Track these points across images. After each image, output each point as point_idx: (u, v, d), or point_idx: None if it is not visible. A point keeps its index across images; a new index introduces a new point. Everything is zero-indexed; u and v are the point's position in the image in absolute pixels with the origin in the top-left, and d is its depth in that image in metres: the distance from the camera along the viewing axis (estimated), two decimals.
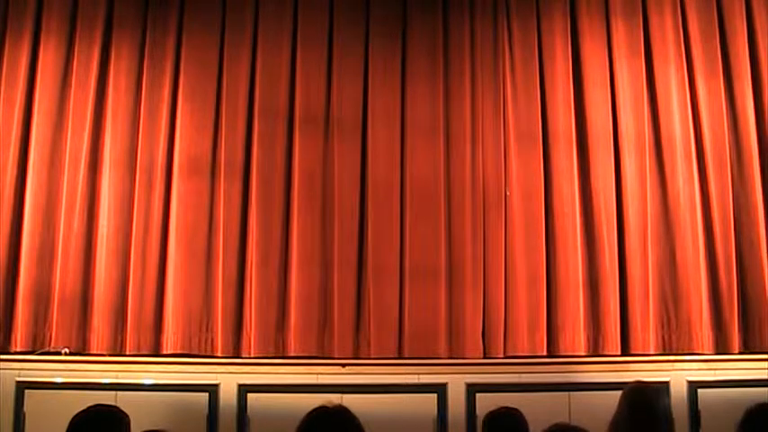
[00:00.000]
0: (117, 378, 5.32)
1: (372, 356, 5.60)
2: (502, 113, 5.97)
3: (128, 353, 5.61)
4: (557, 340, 5.69)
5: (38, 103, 5.97)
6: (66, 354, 5.51)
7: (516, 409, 3.58)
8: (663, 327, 5.70)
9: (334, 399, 4.66)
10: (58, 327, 5.65)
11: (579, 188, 5.88)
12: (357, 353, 5.66)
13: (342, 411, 2.60)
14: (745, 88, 5.95)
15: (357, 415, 2.65)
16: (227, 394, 5.31)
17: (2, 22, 6.05)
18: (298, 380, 5.36)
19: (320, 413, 2.58)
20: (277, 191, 5.90)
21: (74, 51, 6.03)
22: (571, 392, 5.28)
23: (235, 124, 5.96)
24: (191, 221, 5.85)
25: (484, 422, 3.57)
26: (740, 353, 5.57)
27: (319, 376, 5.39)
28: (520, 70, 6.05)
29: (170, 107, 5.99)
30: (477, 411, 5.22)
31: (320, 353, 5.65)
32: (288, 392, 5.24)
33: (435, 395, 5.33)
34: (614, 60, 6.02)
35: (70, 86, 5.99)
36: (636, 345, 5.65)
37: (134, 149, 5.93)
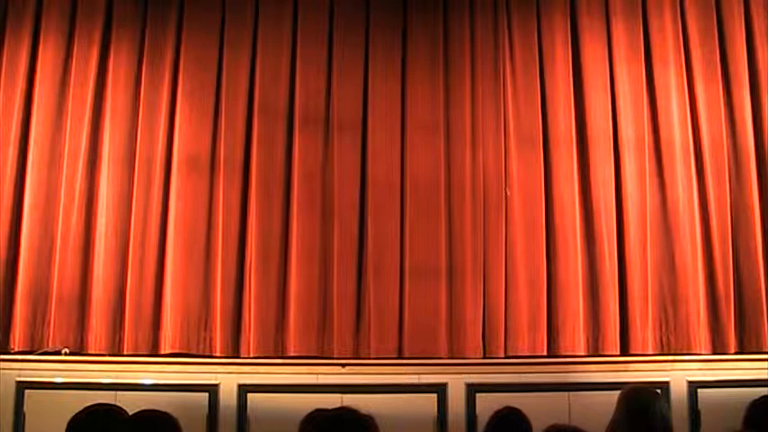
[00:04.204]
0: (117, 378, 5.31)
1: (372, 356, 5.60)
2: (502, 113, 5.97)
3: (125, 352, 5.61)
4: (557, 340, 5.69)
5: (37, 101, 5.97)
6: (66, 354, 5.50)
7: (519, 410, 3.58)
8: (661, 327, 5.71)
9: (334, 399, 4.71)
10: (56, 326, 5.64)
11: (579, 189, 5.89)
12: (357, 353, 5.65)
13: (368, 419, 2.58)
14: (743, 92, 5.96)
15: None
16: (227, 394, 5.31)
17: (1, 20, 6.05)
18: (298, 380, 5.36)
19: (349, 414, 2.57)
20: (277, 190, 5.89)
21: (73, 50, 6.03)
22: (571, 392, 5.28)
23: (234, 123, 5.95)
24: (190, 221, 5.85)
25: (489, 423, 3.56)
26: (736, 353, 5.59)
27: (319, 376, 5.39)
28: (520, 71, 6.06)
29: (169, 106, 5.99)
30: (477, 411, 5.22)
31: (320, 353, 5.65)
32: (288, 392, 5.24)
33: (435, 395, 5.32)
34: (614, 62, 6.03)
35: (69, 85, 5.99)
36: (635, 345, 5.66)
37: (133, 149, 5.92)
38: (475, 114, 5.97)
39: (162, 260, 5.82)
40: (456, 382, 5.34)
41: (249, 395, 5.31)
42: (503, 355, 5.64)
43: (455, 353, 5.64)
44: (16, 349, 5.61)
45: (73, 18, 6.08)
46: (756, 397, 3.28)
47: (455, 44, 6.07)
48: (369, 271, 5.76)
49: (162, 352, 5.63)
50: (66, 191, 5.85)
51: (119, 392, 4.94)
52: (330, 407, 2.72)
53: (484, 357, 5.63)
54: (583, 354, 5.63)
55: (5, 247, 5.76)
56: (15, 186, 5.86)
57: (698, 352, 5.58)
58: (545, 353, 5.64)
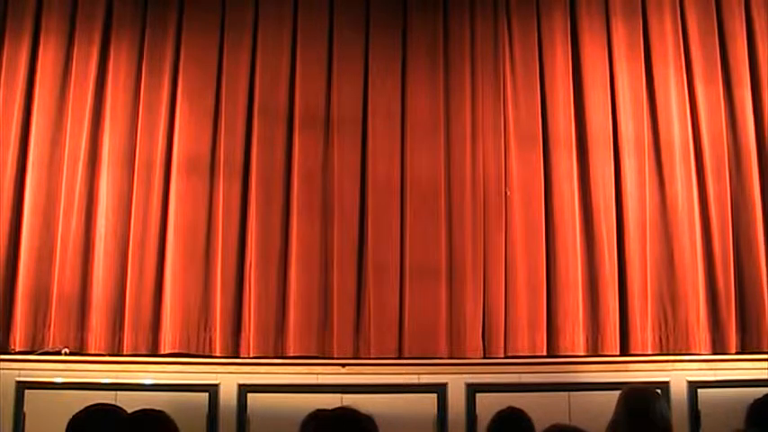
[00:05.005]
0: (117, 378, 5.32)
1: (372, 356, 5.60)
2: (502, 113, 5.97)
3: (125, 353, 5.61)
4: (556, 340, 5.69)
5: (37, 102, 5.97)
6: (66, 354, 5.50)
7: (522, 410, 3.58)
8: (660, 327, 5.71)
9: (334, 399, 4.71)
10: (57, 326, 5.64)
11: (579, 189, 5.89)
12: (357, 353, 5.66)
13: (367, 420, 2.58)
14: (743, 91, 5.95)
15: None
16: (227, 394, 5.31)
17: (1, 21, 6.05)
18: (298, 380, 5.36)
19: (347, 414, 2.57)
20: (277, 190, 5.90)
21: (73, 50, 6.03)
22: (571, 392, 5.28)
23: (234, 124, 5.95)
24: (189, 221, 5.85)
25: (491, 422, 3.57)
26: (737, 353, 5.58)
27: (319, 376, 5.39)
28: (520, 70, 6.06)
29: (169, 107, 5.99)
30: (477, 411, 5.22)
31: (320, 353, 5.65)
32: (288, 392, 5.24)
33: (435, 395, 5.32)
34: (614, 61, 6.03)
35: (69, 86, 5.99)
36: (635, 345, 5.66)
37: (133, 149, 5.92)
38: (475, 114, 5.97)
39: (162, 260, 5.82)
40: (456, 382, 5.34)
41: (249, 395, 5.31)
42: (503, 355, 5.63)
43: (455, 353, 5.64)
44: (17, 349, 5.61)
45: (73, 18, 6.08)
46: (758, 396, 3.29)
47: (455, 44, 6.07)
48: (369, 271, 5.76)
49: (162, 352, 5.63)
50: (66, 191, 5.84)
51: (119, 392, 4.94)
52: (330, 407, 2.72)
53: (484, 357, 5.63)
54: (582, 354, 5.63)
55: (6, 248, 5.75)
56: (15, 187, 5.85)
57: (698, 352, 5.58)
58: (545, 353, 5.64)
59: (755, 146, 5.90)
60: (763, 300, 5.69)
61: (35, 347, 5.61)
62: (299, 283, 5.76)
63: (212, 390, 5.31)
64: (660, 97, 5.98)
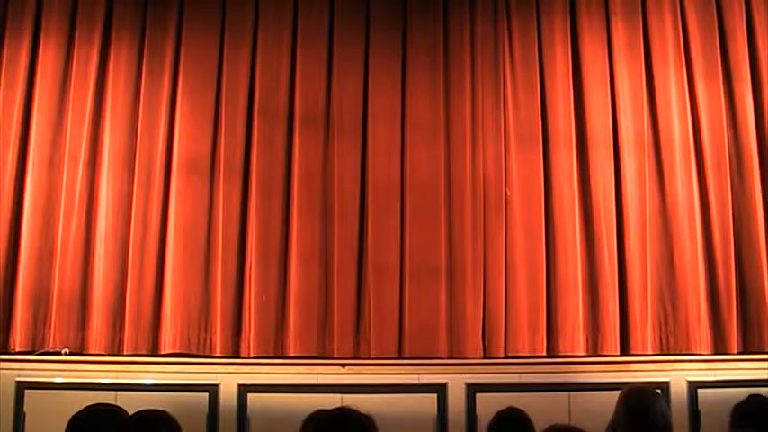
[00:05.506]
0: (117, 378, 5.32)
1: (372, 356, 5.60)
2: (502, 113, 5.97)
3: (125, 353, 5.61)
4: (556, 340, 5.69)
5: (37, 102, 5.97)
6: (66, 354, 5.51)
7: (522, 410, 3.59)
8: (660, 327, 5.71)
9: (334, 399, 4.71)
10: (57, 327, 5.64)
11: (579, 189, 5.89)
12: (357, 353, 5.66)
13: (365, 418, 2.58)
14: (744, 89, 5.95)
15: None
16: (227, 394, 5.31)
17: (1, 21, 6.05)
18: (298, 380, 5.36)
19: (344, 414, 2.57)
20: (277, 190, 5.90)
21: (73, 51, 6.03)
22: (571, 392, 5.29)
23: (234, 124, 5.96)
24: (190, 221, 5.85)
25: (491, 422, 3.57)
26: (739, 353, 5.58)
27: (319, 376, 5.39)
28: (520, 70, 6.06)
29: (169, 107, 6.00)
30: (477, 411, 5.23)
31: (320, 353, 5.65)
32: (288, 392, 5.24)
33: (435, 395, 5.33)
34: (614, 61, 6.03)
35: (69, 86, 5.99)
36: (635, 345, 5.66)
37: (133, 150, 5.93)
38: (475, 114, 5.97)
39: (162, 260, 5.82)
40: (456, 382, 5.34)
41: (249, 395, 5.32)
42: (503, 355, 5.64)
43: (455, 353, 5.64)
44: (17, 349, 5.61)
45: (73, 18, 6.08)
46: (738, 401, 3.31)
47: (455, 44, 6.08)
48: (369, 271, 5.77)
49: (162, 352, 5.63)
50: (66, 192, 5.85)
51: (119, 392, 4.95)
52: (330, 407, 2.72)
53: (484, 357, 5.63)
54: (582, 354, 5.63)
55: (6, 248, 5.76)
56: (15, 187, 5.85)
57: (698, 352, 5.58)
58: (545, 353, 5.64)
59: (756, 144, 5.90)
60: (765, 299, 5.68)
61: (35, 347, 5.62)
62: (299, 283, 5.76)
63: (212, 390, 5.31)
64: (660, 96, 5.98)
